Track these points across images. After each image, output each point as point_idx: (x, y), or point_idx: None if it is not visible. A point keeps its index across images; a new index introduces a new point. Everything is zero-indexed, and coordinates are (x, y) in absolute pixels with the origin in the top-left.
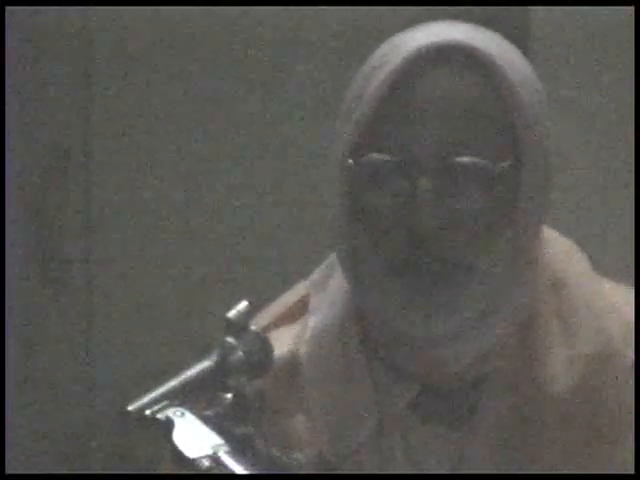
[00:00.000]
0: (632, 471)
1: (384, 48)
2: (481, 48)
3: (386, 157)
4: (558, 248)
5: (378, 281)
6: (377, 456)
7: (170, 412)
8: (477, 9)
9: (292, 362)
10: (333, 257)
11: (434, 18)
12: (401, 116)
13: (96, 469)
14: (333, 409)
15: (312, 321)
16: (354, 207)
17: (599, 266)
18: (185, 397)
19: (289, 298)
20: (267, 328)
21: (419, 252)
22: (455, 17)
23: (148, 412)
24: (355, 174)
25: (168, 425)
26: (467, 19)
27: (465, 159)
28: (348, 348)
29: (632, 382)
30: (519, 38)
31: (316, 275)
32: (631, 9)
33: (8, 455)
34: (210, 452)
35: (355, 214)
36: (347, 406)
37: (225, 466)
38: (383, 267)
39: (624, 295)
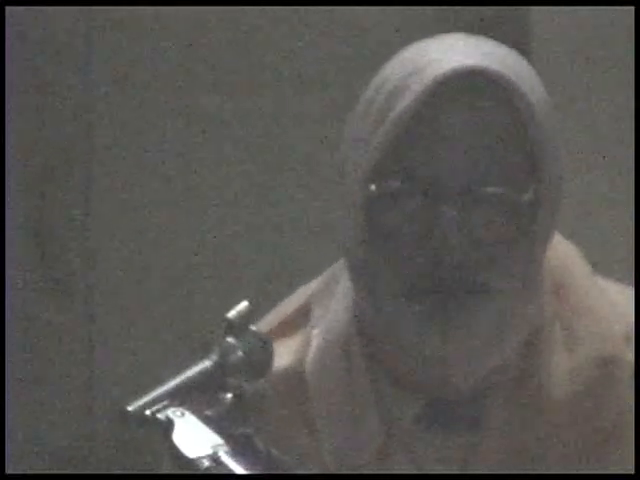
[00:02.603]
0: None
1: (401, 68)
2: (504, 73)
3: (410, 185)
4: (558, 252)
5: (396, 303)
6: (383, 470)
7: (170, 412)
8: (477, 9)
9: (295, 376)
10: (334, 268)
11: (434, 18)
12: (425, 143)
13: (96, 469)
14: (338, 424)
15: (315, 334)
16: (374, 231)
17: (599, 267)
18: (185, 397)
19: (288, 307)
20: None
21: (440, 278)
22: (455, 17)
23: (148, 412)
24: (377, 200)
25: (168, 425)
26: (467, 19)
27: (491, 189)
28: (352, 362)
29: (634, 384)
30: (519, 38)
31: (318, 285)
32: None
33: (8, 455)
34: (210, 452)
35: (375, 238)
36: (352, 421)
37: (225, 466)
38: (401, 289)
39: (625, 296)
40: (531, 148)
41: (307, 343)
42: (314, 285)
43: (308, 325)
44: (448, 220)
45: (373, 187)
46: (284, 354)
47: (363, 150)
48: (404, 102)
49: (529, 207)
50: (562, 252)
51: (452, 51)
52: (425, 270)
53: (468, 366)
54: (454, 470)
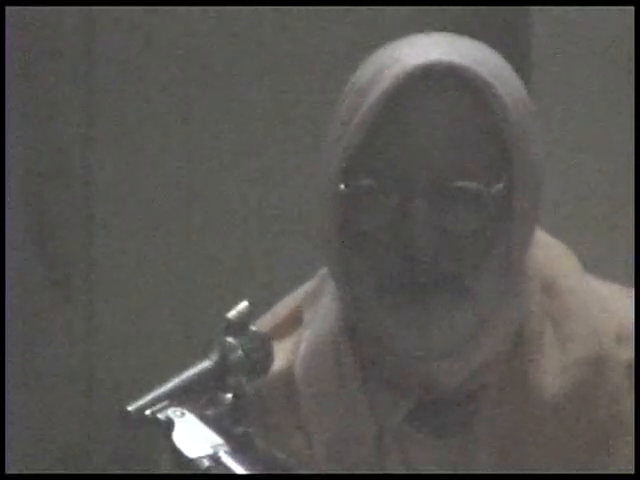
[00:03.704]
0: (631, 472)
1: (371, 67)
2: (472, 68)
3: (380, 182)
4: (548, 250)
5: (374, 300)
6: (376, 470)
7: (170, 412)
8: (477, 9)
9: (287, 380)
10: (324, 271)
11: (433, 18)
12: (394, 140)
13: (96, 469)
14: (330, 426)
15: (305, 337)
16: (347, 229)
17: (599, 267)
18: (185, 397)
19: (281, 310)
20: None
21: (414, 273)
22: (456, 17)
23: (148, 412)
24: (348, 199)
25: (168, 425)
26: (467, 19)
27: (460, 183)
28: (342, 364)
29: (626, 383)
30: (519, 38)
31: (308, 289)
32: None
33: (8, 455)
34: (210, 452)
35: (349, 236)
36: (344, 423)
37: (225, 466)
38: (378, 287)
39: (615, 295)
40: (503, 143)
41: (298, 345)
42: (306, 287)
43: (300, 327)
44: (418, 215)
45: (343, 186)
46: (276, 357)
47: (334, 149)
48: (371, 99)
49: (504, 203)
50: (552, 251)
51: (421, 48)
52: (398, 266)
53: (450, 363)
54: (447, 471)
